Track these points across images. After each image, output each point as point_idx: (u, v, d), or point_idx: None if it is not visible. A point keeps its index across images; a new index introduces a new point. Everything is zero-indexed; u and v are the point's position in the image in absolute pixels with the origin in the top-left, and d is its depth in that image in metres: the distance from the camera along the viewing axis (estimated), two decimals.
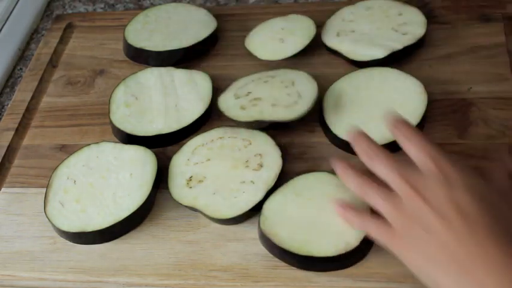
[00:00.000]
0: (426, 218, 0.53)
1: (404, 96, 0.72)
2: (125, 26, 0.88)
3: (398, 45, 0.78)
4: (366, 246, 0.62)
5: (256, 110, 0.73)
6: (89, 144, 0.74)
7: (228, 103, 0.76)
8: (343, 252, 0.60)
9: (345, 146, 0.71)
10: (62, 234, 0.68)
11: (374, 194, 0.58)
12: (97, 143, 0.75)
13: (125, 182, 0.70)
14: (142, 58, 0.85)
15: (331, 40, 0.82)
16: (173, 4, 0.92)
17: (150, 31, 0.87)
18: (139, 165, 0.71)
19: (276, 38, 0.83)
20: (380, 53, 0.77)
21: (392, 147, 0.70)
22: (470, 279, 0.49)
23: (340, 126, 0.72)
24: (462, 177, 0.54)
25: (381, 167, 0.58)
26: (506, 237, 0.51)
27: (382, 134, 0.70)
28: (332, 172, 0.67)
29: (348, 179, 0.61)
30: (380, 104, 0.72)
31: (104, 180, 0.71)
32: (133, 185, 0.69)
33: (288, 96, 0.74)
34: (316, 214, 0.63)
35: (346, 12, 0.85)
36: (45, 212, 0.69)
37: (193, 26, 0.87)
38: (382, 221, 0.57)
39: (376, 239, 0.58)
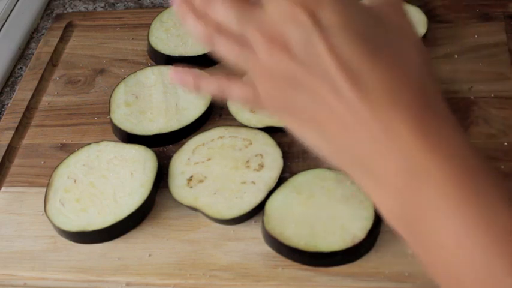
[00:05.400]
0: (294, 75, 0.40)
1: None
2: (148, 36, 0.87)
3: None
4: (373, 237, 0.62)
5: (266, 114, 0.73)
6: (89, 144, 0.74)
7: (237, 105, 0.76)
8: (351, 245, 0.60)
9: None
10: (62, 233, 0.68)
11: (226, 43, 0.44)
12: (97, 142, 0.74)
13: (125, 181, 0.70)
14: (184, 63, 0.83)
15: None
16: None
17: (177, 36, 0.86)
18: (140, 164, 0.71)
19: None
20: None
21: None
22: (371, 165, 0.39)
23: None
24: (335, 11, 0.40)
25: (219, 8, 0.44)
26: (415, 102, 0.38)
27: None
28: (330, 168, 0.67)
29: (189, 21, 0.46)
30: None
31: (105, 180, 0.70)
32: (134, 185, 0.69)
33: None
34: (319, 210, 0.64)
35: None
36: (45, 211, 0.69)
37: None
38: (243, 82, 0.46)
39: (242, 104, 0.50)
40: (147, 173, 0.70)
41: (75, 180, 0.71)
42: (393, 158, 0.38)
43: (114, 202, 0.68)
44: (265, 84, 0.43)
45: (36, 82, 0.87)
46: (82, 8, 1.04)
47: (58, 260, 0.67)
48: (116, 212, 0.67)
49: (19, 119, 0.83)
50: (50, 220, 0.68)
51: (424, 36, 0.79)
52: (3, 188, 0.76)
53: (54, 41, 0.93)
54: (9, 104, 0.86)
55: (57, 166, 0.73)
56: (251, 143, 0.71)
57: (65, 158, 0.74)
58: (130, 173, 0.70)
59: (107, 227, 0.66)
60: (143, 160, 0.71)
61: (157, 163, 0.71)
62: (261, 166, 0.69)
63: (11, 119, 0.83)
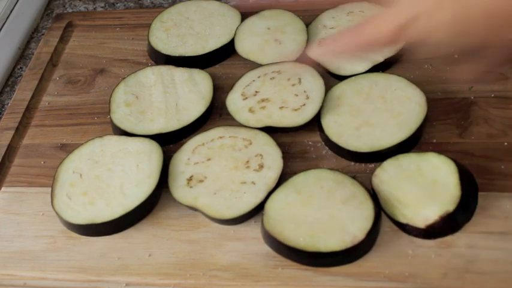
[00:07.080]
0: None
1: (404, 107, 0.71)
2: (148, 36, 0.87)
3: (379, 58, 0.77)
4: (373, 237, 0.62)
5: (265, 114, 0.73)
6: (93, 138, 0.74)
7: (236, 104, 0.76)
8: (350, 245, 0.60)
9: (337, 149, 0.71)
10: (71, 227, 0.68)
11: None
12: (100, 136, 0.74)
13: (131, 173, 0.70)
14: (183, 63, 0.83)
15: (312, 50, 0.81)
16: (183, 3, 0.91)
17: (177, 36, 0.87)
18: (146, 155, 0.71)
19: (273, 39, 0.83)
20: (361, 67, 0.77)
21: (384, 157, 0.69)
22: None
23: (334, 128, 0.71)
24: None
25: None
26: None
27: (373, 140, 0.69)
28: (330, 169, 0.67)
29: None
30: (379, 110, 0.72)
31: (111, 172, 0.70)
32: (140, 176, 0.69)
33: (295, 97, 0.74)
34: (319, 210, 0.64)
35: (327, 18, 0.84)
36: (52, 205, 0.69)
37: (218, 21, 0.87)
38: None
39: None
40: (153, 164, 0.70)
41: (81, 175, 0.71)
42: None
43: (121, 194, 0.68)
44: None
45: (36, 82, 0.87)
46: (82, 8, 1.04)
47: (58, 260, 0.67)
48: (125, 203, 0.67)
49: (19, 119, 0.83)
50: (57, 214, 0.68)
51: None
52: (3, 188, 0.76)
53: (54, 41, 0.93)
54: (9, 104, 0.86)
55: (62, 161, 0.73)
56: (251, 143, 0.71)
57: (70, 153, 0.74)
58: (136, 164, 0.70)
59: (116, 218, 0.66)
60: (148, 151, 0.71)
61: (162, 154, 0.71)
62: (261, 166, 0.69)
63: (11, 119, 0.83)
